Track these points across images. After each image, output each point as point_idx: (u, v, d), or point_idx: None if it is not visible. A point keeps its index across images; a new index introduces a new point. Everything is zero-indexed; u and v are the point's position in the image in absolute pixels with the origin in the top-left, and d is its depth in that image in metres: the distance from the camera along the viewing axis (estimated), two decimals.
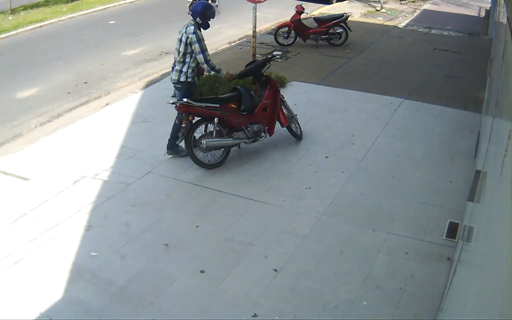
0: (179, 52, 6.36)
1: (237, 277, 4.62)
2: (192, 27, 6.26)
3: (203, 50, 6.26)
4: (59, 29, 14.21)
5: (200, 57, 6.24)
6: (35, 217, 5.43)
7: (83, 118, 8.08)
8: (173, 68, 6.53)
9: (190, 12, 6.44)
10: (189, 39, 6.21)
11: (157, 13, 15.80)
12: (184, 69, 6.34)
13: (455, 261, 4.30)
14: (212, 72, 6.45)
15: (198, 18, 6.34)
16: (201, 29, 6.40)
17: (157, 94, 8.86)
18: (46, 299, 4.30)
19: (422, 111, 8.26)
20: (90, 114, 8.26)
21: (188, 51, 6.28)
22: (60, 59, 11.29)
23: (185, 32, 6.29)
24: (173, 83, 6.59)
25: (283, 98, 7.01)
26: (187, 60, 6.31)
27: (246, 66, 7.03)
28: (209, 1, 6.53)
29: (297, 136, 7.12)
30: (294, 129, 7.08)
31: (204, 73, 6.92)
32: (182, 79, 6.38)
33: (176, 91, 6.68)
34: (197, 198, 5.89)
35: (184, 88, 6.44)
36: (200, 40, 6.23)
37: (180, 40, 6.34)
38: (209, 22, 6.48)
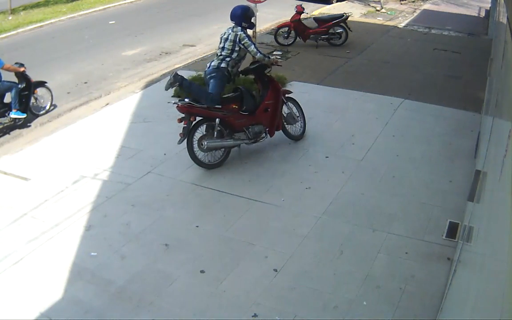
0: (224, 49, 6.56)
1: (237, 277, 4.62)
2: (240, 27, 6.60)
3: (253, 42, 6.70)
4: (59, 29, 14.23)
5: (252, 48, 6.53)
6: (35, 217, 5.43)
7: (83, 118, 8.08)
8: (211, 63, 6.65)
9: (233, 20, 6.70)
10: (238, 36, 6.50)
11: (157, 13, 15.81)
12: (227, 59, 6.54)
13: (455, 261, 4.30)
14: (265, 59, 6.70)
15: (243, 23, 6.66)
16: (247, 30, 6.76)
17: (157, 94, 8.85)
18: (46, 299, 4.30)
19: (422, 111, 8.26)
20: (90, 114, 8.26)
21: (235, 48, 6.53)
22: (60, 59, 11.30)
23: (233, 31, 6.57)
24: (209, 73, 6.54)
25: (285, 99, 6.99)
26: (234, 56, 6.55)
27: (250, 64, 7.02)
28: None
29: (293, 137, 7.10)
30: (289, 130, 7.06)
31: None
32: (223, 65, 6.51)
33: (210, 81, 6.53)
34: (197, 198, 5.89)
35: (220, 74, 6.48)
36: (249, 35, 6.65)
37: (227, 39, 6.57)
38: (252, 21, 6.88)
